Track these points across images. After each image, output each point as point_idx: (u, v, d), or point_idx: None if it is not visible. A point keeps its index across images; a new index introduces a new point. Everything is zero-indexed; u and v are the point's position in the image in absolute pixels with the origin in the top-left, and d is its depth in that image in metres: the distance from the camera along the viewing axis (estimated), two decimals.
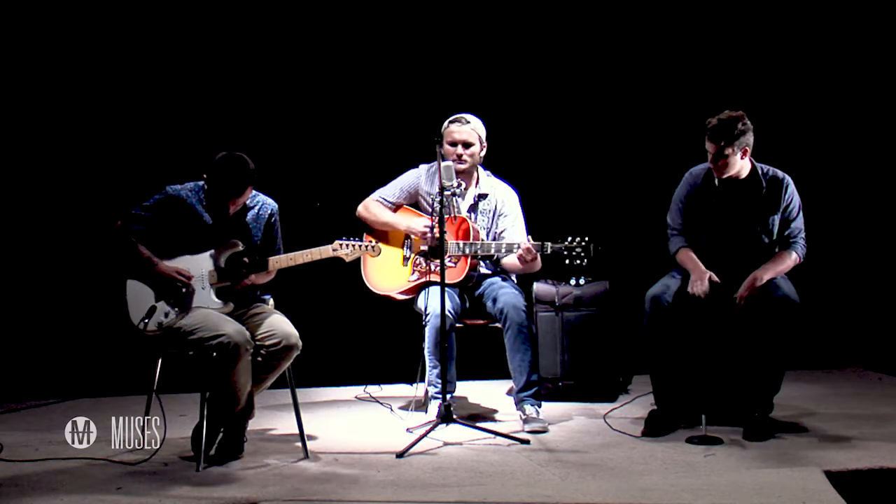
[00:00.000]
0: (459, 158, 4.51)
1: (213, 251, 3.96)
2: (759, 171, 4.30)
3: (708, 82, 5.98)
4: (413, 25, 5.82)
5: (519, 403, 4.46)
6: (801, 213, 4.34)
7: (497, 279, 4.60)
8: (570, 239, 4.28)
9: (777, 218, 4.30)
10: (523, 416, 4.40)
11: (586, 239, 4.26)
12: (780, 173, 4.34)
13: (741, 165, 4.24)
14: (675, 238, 4.39)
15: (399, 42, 5.82)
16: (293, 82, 5.75)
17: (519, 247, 4.33)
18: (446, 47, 5.84)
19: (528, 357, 4.43)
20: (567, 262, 4.28)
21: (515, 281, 4.68)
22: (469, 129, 4.56)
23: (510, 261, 4.50)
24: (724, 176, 4.22)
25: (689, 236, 4.35)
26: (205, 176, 3.93)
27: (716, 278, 4.17)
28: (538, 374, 4.49)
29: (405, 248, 4.61)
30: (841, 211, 6.08)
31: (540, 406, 4.44)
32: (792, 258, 4.30)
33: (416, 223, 4.55)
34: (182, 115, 5.56)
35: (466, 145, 4.54)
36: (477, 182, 4.68)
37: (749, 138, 4.20)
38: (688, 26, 6.02)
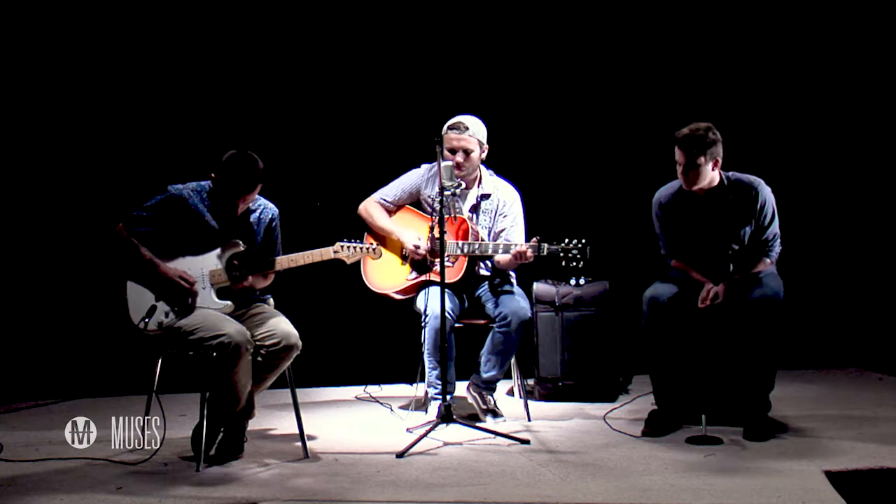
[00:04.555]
0: (459, 167, 4.45)
1: (217, 251, 3.97)
2: (725, 183, 4.22)
3: (706, 82, 5.99)
4: (415, 26, 5.83)
5: (481, 388, 4.56)
6: (775, 217, 4.27)
7: (497, 280, 4.60)
8: (566, 241, 4.28)
9: (749, 228, 4.24)
10: (486, 407, 4.51)
11: (583, 241, 4.25)
12: (746, 179, 4.24)
13: (711, 177, 4.18)
14: (665, 254, 4.43)
15: (401, 42, 5.83)
16: (294, 82, 5.76)
17: (517, 246, 4.33)
18: (448, 48, 5.85)
19: (508, 360, 4.53)
20: (563, 263, 4.27)
21: (515, 281, 4.68)
22: (468, 136, 4.51)
23: (502, 257, 4.50)
24: (695, 187, 4.17)
25: (676, 248, 4.37)
26: (213, 175, 3.93)
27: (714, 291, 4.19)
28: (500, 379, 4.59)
29: (404, 248, 4.61)
30: (840, 211, 6.08)
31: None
32: (764, 265, 4.28)
33: (408, 237, 4.54)
34: (184, 116, 5.57)
35: (466, 152, 4.50)
36: (479, 182, 4.67)
37: (719, 149, 4.15)
38: (686, 30, 6.03)
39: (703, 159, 4.11)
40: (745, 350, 4.20)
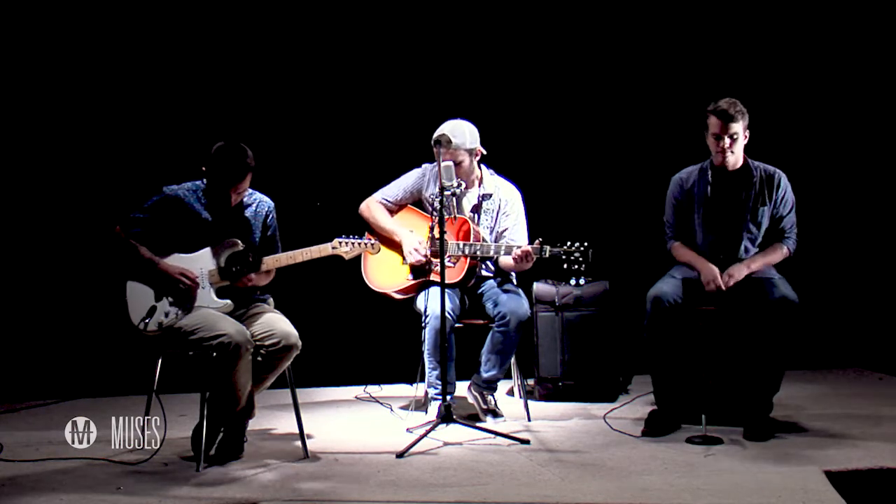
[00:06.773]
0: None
1: (211, 248, 3.97)
2: (751, 164, 4.35)
3: (705, 85, 5.96)
4: (416, 25, 5.82)
5: (481, 388, 4.56)
6: (793, 210, 4.37)
7: (497, 280, 4.60)
8: (568, 244, 4.27)
9: (767, 210, 4.32)
10: (486, 407, 4.52)
11: (585, 244, 4.25)
12: (770, 168, 4.37)
13: (738, 154, 4.28)
14: (670, 237, 4.45)
15: (401, 41, 5.82)
16: (293, 82, 5.75)
17: (519, 248, 4.33)
18: (449, 46, 5.84)
19: (508, 359, 4.52)
20: (565, 266, 4.27)
21: (516, 283, 4.67)
22: (452, 150, 4.43)
23: (505, 259, 4.50)
24: (728, 158, 4.24)
25: (684, 233, 4.40)
26: (203, 168, 3.94)
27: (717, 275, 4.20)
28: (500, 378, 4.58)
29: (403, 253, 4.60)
30: (841, 211, 6.08)
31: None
32: (781, 251, 4.34)
33: (408, 240, 4.52)
34: (181, 116, 5.56)
35: (456, 164, 4.43)
36: (480, 182, 4.66)
37: (747, 121, 4.26)
38: (688, 30, 6.02)
39: (740, 126, 4.20)
40: (758, 351, 4.20)
